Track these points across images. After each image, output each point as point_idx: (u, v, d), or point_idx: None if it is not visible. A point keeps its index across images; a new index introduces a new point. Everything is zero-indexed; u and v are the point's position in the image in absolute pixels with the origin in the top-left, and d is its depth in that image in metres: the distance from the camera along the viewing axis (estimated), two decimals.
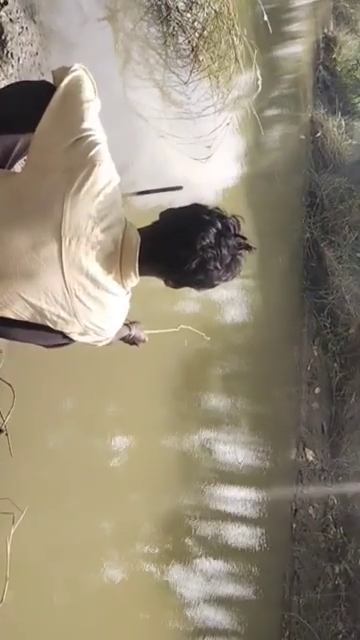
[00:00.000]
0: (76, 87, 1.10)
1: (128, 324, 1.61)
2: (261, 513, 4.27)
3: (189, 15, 3.52)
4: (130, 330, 1.62)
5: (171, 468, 3.27)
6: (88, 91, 1.12)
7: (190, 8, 3.51)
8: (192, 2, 3.49)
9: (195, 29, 3.53)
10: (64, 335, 1.18)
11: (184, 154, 3.27)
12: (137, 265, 1.11)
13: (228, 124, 3.55)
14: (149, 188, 1.73)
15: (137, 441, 2.93)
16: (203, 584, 3.49)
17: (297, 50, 6.62)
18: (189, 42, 3.53)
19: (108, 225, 1.08)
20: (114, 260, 1.10)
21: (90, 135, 1.07)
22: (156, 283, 1.18)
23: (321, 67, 7.42)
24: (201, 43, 3.48)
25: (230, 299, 4.23)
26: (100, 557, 2.64)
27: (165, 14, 3.39)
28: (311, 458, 5.04)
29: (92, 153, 1.06)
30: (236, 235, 1.10)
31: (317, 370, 5.51)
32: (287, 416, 5.03)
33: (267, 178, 5.15)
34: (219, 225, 1.08)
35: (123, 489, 2.84)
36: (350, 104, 7.71)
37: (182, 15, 3.47)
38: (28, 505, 1.86)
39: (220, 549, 3.76)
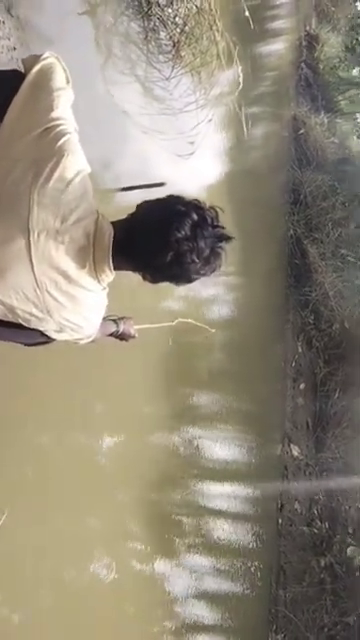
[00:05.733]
0: (46, 75, 1.07)
1: (116, 320, 1.57)
2: (247, 508, 4.29)
3: (170, 10, 3.50)
4: (117, 326, 1.57)
5: (157, 465, 3.26)
6: (59, 79, 1.08)
7: (171, 3, 3.49)
8: None
9: (176, 24, 3.52)
10: (42, 333, 1.15)
11: (167, 150, 3.26)
12: (111, 259, 1.07)
13: (210, 120, 3.55)
14: (132, 185, 1.71)
15: (122, 438, 2.91)
16: (190, 580, 3.49)
17: (279, 47, 6.63)
18: (170, 38, 3.51)
19: (78, 217, 1.04)
20: (87, 254, 1.06)
21: (59, 124, 1.04)
22: (139, 280, 1.15)
23: (303, 65, 7.44)
24: (182, 39, 3.46)
25: (215, 296, 4.22)
26: (86, 556, 2.63)
27: (146, 9, 3.36)
28: (296, 453, 5.08)
29: (60, 143, 1.03)
30: (214, 226, 1.04)
31: (302, 366, 5.55)
32: (272, 412, 5.06)
33: (250, 175, 5.16)
34: (195, 216, 1.03)
35: (108, 487, 2.82)
36: (333, 102, 7.77)
37: (163, 10, 3.45)
38: (9, 506, 1.84)
39: (207, 545, 3.77)
